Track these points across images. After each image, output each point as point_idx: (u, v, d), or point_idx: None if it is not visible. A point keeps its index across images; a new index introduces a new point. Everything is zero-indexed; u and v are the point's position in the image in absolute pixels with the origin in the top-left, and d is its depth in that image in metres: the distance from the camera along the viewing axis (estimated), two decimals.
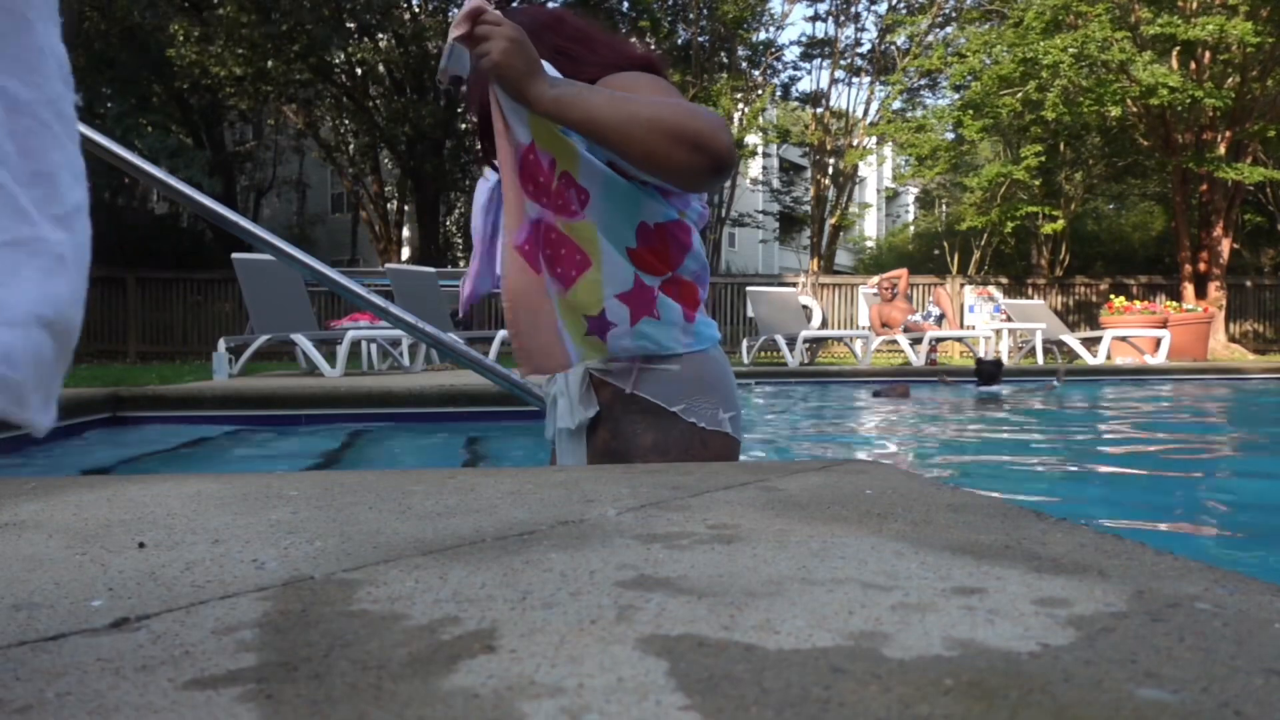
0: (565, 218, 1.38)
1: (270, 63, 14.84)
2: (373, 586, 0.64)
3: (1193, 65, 13.17)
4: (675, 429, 1.43)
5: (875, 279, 11.40)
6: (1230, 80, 13.19)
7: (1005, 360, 10.44)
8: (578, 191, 1.39)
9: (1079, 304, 15.98)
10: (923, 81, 18.58)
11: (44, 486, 1.07)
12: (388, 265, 9.77)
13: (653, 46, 18.68)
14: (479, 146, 1.55)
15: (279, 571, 0.68)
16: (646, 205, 1.41)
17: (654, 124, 1.24)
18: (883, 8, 18.28)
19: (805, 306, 11.86)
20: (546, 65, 1.31)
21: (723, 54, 18.24)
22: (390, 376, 5.68)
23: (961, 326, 12.02)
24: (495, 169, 1.53)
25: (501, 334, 6.90)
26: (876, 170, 27.05)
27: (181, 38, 14.18)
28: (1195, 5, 12.71)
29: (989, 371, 7.14)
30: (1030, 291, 15.76)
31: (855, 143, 18.12)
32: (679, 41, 18.39)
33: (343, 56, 17.20)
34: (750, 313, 10.85)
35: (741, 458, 1.50)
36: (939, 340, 10.14)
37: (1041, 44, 12.30)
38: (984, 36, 14.34)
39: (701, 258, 1.52)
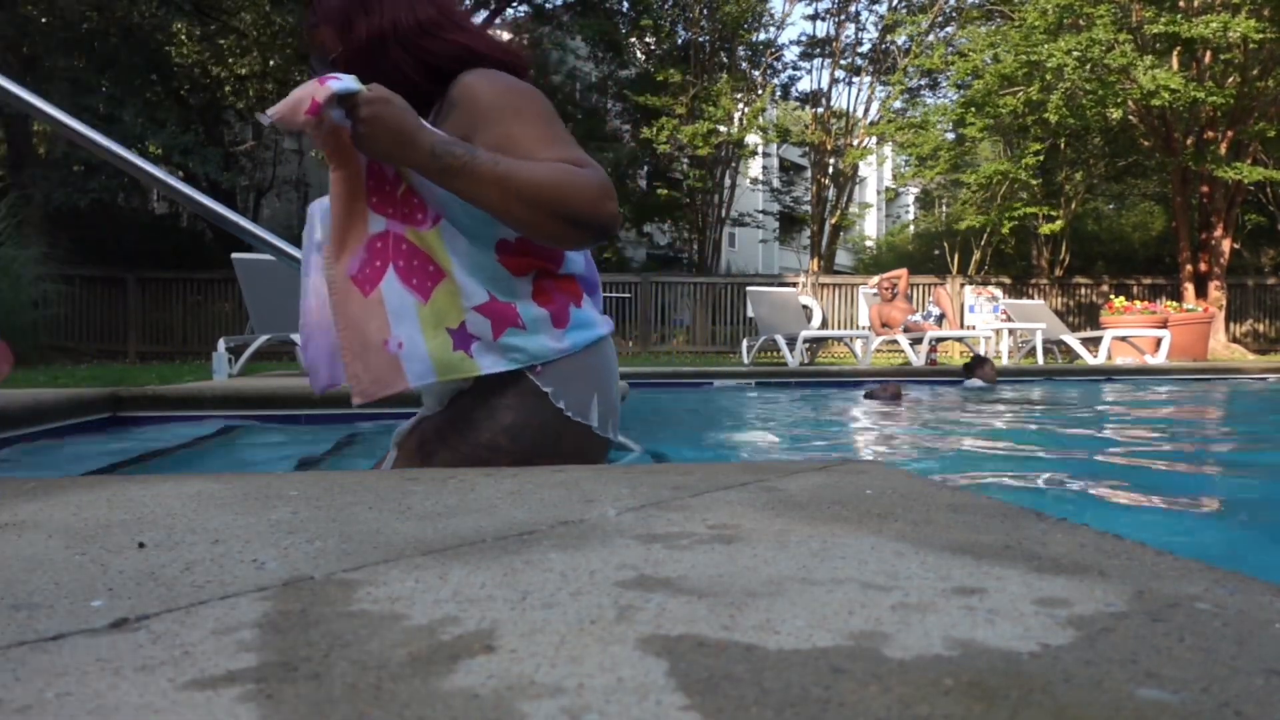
0: (414, 227, 1.35)
1: (272, 62, 14.86)
2: (373, 586, 0.64)
3: (1194, 65, 13.17)
4: (540, 413, 1.38)
5: (875, 279, 11.39)
6: (1231, 80, 13.19)
7: (1005, 360, 10.44)
8: (424, 206, 1.36)
9: (1080, 304, 15.98)
10: (923, 81, 18.58)
11: (44, 486, 1.07)
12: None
13: (653, 46, 18.70)
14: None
15: (279, 571, 0.68)
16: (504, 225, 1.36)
17: (535, 202, 1.22)
18: (883, 7, 18.27)
19: (805, 306, 11.86)
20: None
21: (723, 54, 18.24)
22: None
23: (962, 326, 12.02)
24: None
25: None
26: (876, 170, 27.05)
27: (184, 38, 14.18)
28: (1197, 3, 12.70)
29: (970, 365, 7.30)
30: (1031, 292, 15.75)
31: (855, 143, 18.12)
32: (679, 41, 18.39)
33: None
34: (750, 313, 10.85)
35: (742, 458, 1.48)
36: (939, 340, 10.14)
37: (1045, 47, 12.30)
38: (988, 38, 14.34)
39: (581, 255, 1.47)
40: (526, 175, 1.23)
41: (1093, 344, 10.69)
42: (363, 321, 1.34)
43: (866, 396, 5.64)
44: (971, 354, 9.51)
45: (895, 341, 10.29)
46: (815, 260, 18.17)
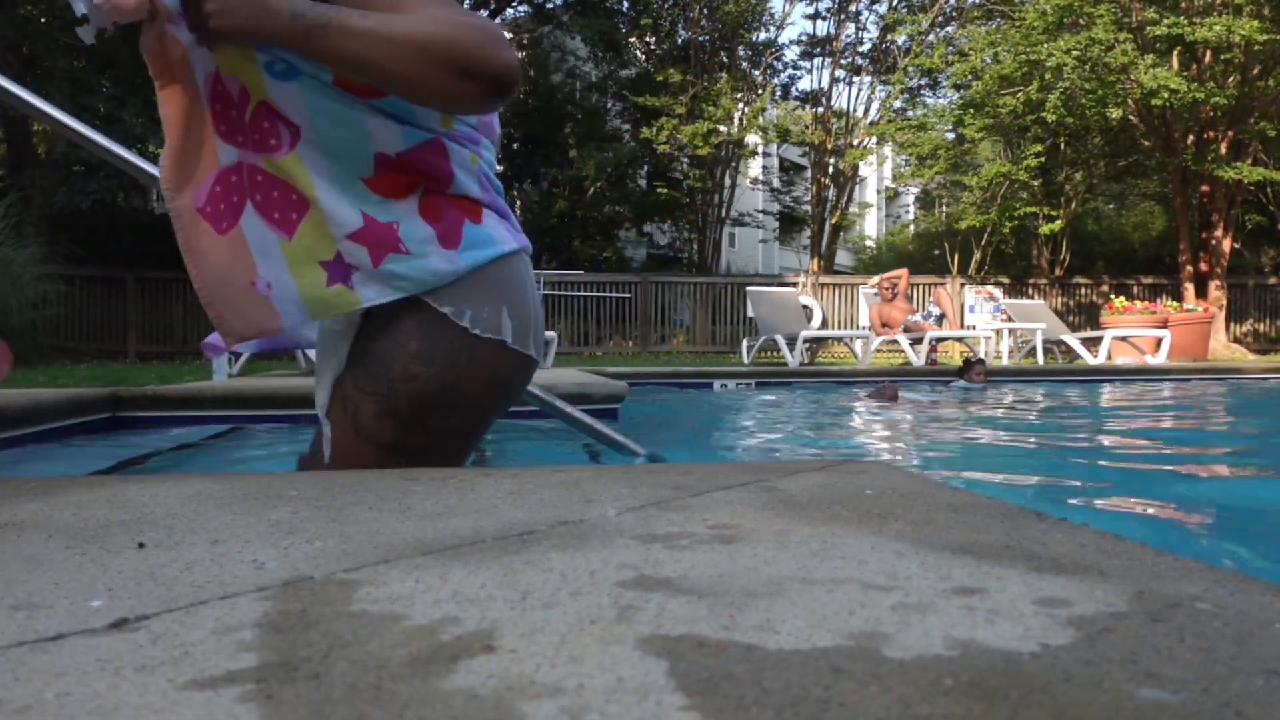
0: (269, 154, 1.22)
1: None
2: (373, 586, 0.64)
3: (1194, 65, 13.17)
4: (445, 333, 1.26)
5: (875, 279, 11.40)
6: (1231, 79, 13.20)
7: (1006, 360, 10.44)
8: (285, 124, 1.21)
9: (1080, 304, 15.99)
10: (923, 81, 18.58)
11: (44, 486, 1.07)
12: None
13: (653, 46, 18.72)
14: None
15: (279, 571, 0.68)
16: (381, 134, 1.22)
17: (419, 52, 1.09)
18: (883, 7, 18.28)
19: (805, 306, 11.86)
20: None
21: (723, 53, 18.24)
22: None
23: (962, 326, 12.01)
24: None
25: None
26: (876, 170, 27.05)
27: None
28: (1199, 4, 12.70)
29: (961, 367, 7.37)
30: (1031, 292, 15.76)
31: (855, 142, 18.13)
32: (679, 41, 18.39)
33: None
34: (750, 313, 10.85)
35: (742, 458, 1.47)
36: (939, 340, 10.14)
37: (1045, 46, 12.30)
38: (987, 37, 14.34)
39: (480, 170, 1.32)
40: (403, 25, 1.11)
41: (1093, 344, 10.69)
42: (222, 261, 1.23)
43: (868, 396, 5.65)
44: (971, 354, 9.52)
45: (895, 341, 10.29)
46: (815, 260, 18.17)
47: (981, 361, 7.59)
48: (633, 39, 18.86)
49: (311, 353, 6.00)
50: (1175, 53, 13.16)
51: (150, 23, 1.19)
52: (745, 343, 10.79)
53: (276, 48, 1.18)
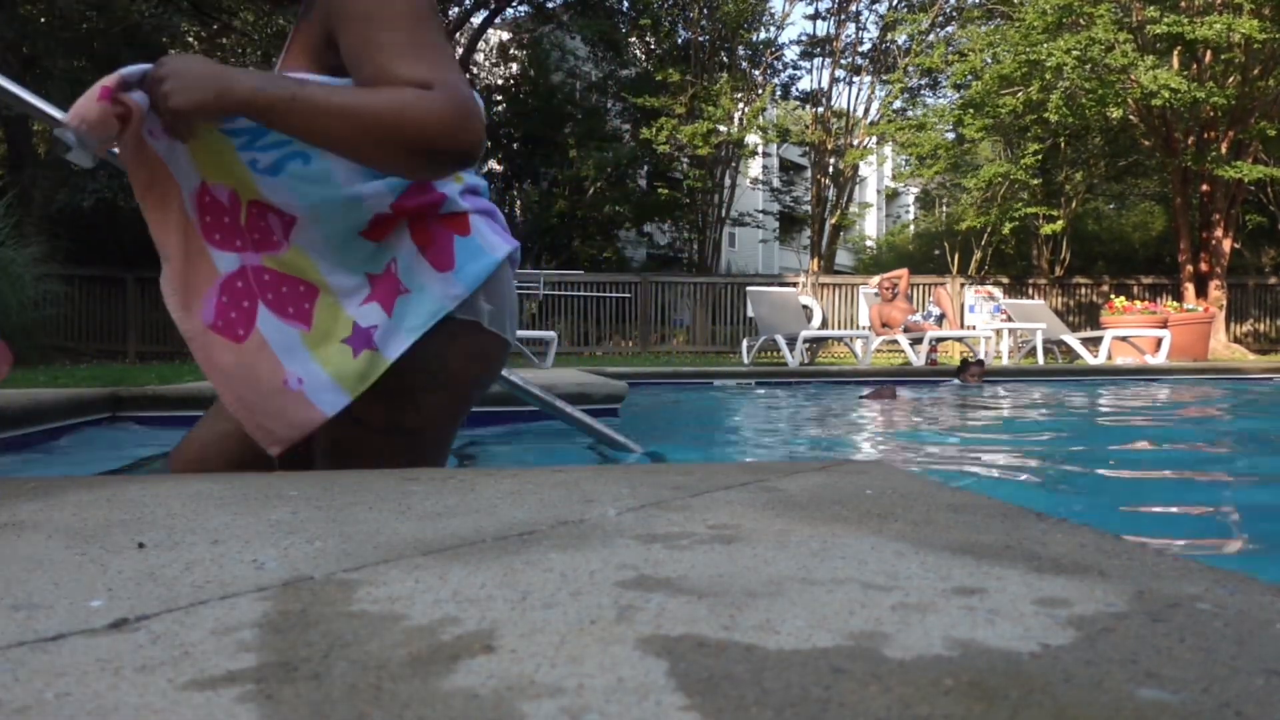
0: (271, 253, 1.22)
1: (275, 61, 14.87)
2: (373, 586, 0.64)
3: (1194, 65, 13.17)
4: None
5: (876, 279, 11.40)
6: (1232, 79, 13.20)
7: (1006, 360, 10.44)
8: (278, 218, 1.22)
9: (1080, 304, 15.99)
10: (923, 81, 18.58)
11: (44, 486, 1.07)
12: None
13: (653, 46, 18.72)
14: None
15: (279, 571, 0.68)
16: (372, 196, 1.21)
17: (388, 134, 1.08)
18: (883, 7, 18.28)
19: (805, 306, 11.86)
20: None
21: (723, 53, 18.24)
22: None
23: (962, 326, 12.01)
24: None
25: None
26: (876, 170, 27.06)
27: (189, 38, 14.20)
28: (1199, 3, 12.70)
29: (958, 367, 7.39)
30: (1031, 292, 15.75)
31: (855, 142, 18.12)
32: (679, 41, 18.39)
33: None
34: (750, 313, 10.85)
35: (742, 458, 1.47)
36: (939, 340, 10.14)
37: (1045, 46, 12.30)
38: (987, 37, 14.34)
39: (464, 184, 1.31)
40: (372, 103, 1.08)
41: (1093, 344, 10.69)
42: (247, 370, 1.22)
43: (861, 399, 5.64)
44: (969, 355, 9.53)
45: (895, 341, 10.29)
46: (815, 260, 18.17)
47: (980, 363, 7.59)
48: (633, 39, 18.86)
49: None
50: (1175, 52, 13.15)
51: (124, 127, 1.16)
52: (745, 343, 10.79)
53: (256, 145, 1.18)
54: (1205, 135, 13.61)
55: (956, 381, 7.29)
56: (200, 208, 1.22)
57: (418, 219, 1.26)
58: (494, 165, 20.13)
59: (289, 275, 1.22)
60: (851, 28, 18.45)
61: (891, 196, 30.27)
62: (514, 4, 18.60)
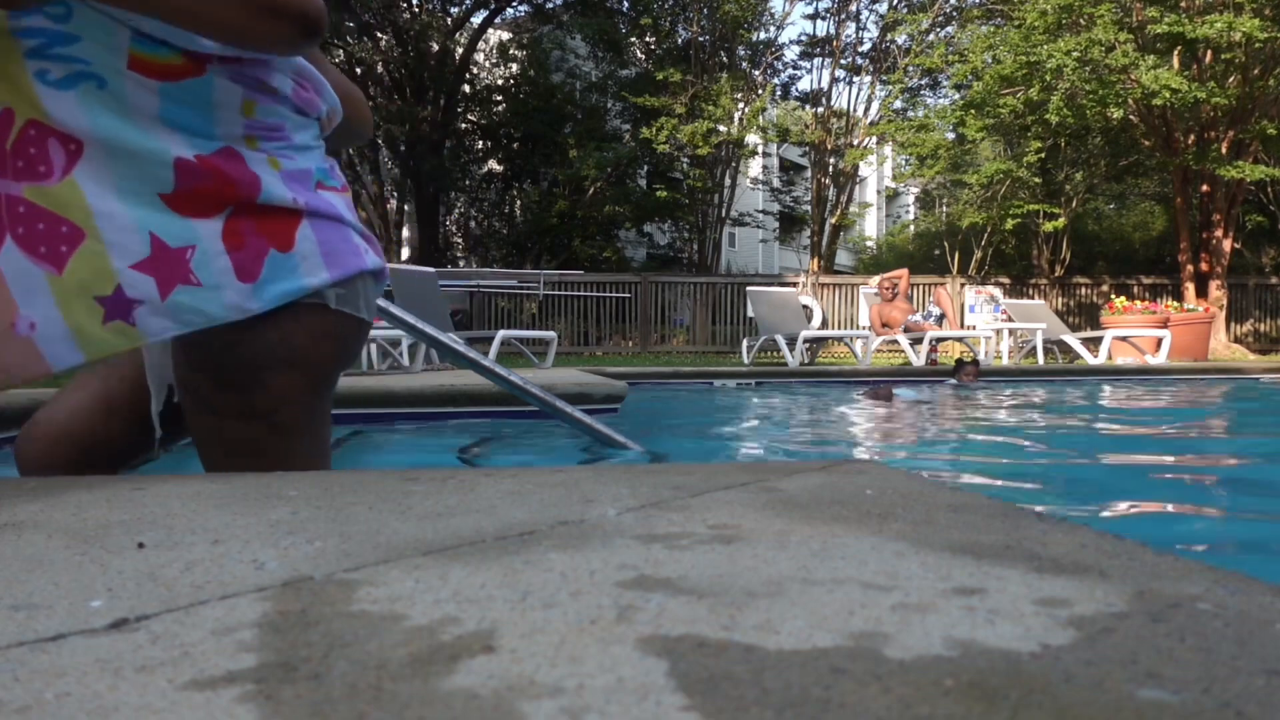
0: (37, 183, 1.11)
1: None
2: (373, 586, 0.64)
3: (1194, 65, 13.17)
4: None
5: (876, 279, 11.40)
6: (1232, 80, 13.20)
7: (1006, 360, 10.44)
8: (60, 144, 1.11)
9: (1080, 304, 15.99)
10: (923, 81, 18.59)
11: (44, 486, 1.07)
12: (387, 265, 9.77)
13: (653, 46, 18.72)
14: None
15: (279, 571, 0.68)
16: (168, 144, 1.13)
17: None
18: (883, 7, 18.28)
19: (805, 306, 11.87)
20: None
21: (723, 53, 18.24)
22: (390, 376, 5.68)
23: (962, 326, 12.01)
24: None
25: (501, 334, 6.91)
26: (877, 170, 27.07)
27: None
28: (1199, 3, 12.70)
29: (954, 367, 7.40)
30: (1031, 292, 15.76)
31: (855, 142, 18.13)
32: (679, 41, 18.39)
33: (343, 56, 17.21)
34: (750, 313, 10.85)
35: (742, 458, 1.46)
36: (939, 340, 10.14)
37: (1045, 47, 12.30)
38: (987, 39, 14.34)
39: (292, 169, 1.22)
40: None
41: (1093, 344, 10.69)
42: None
43: (863, 396, 5.64)
44: (965, 354, 9.53)
45: (895, 341, 10.29)
46: (815, 260, 18.18)
47: (975, 362, 7.60)
48: (633, 39, 18.87)
49: None
50: (1175, 53, 13.15)
51: None
52: (745, 343, 10.80)
53: (50, 53, 1.09)
54: (1206, 135, 13.61)
55: (953, 382, 7.29)
56: None
57: (238, 216, 1.17)
58: (494, 165, 20.14)
59: (50, 211, 1.11)
60: (851, 28, 18.46)
61: (891, 196, 30.27)
62: (514, 4, 18.61)
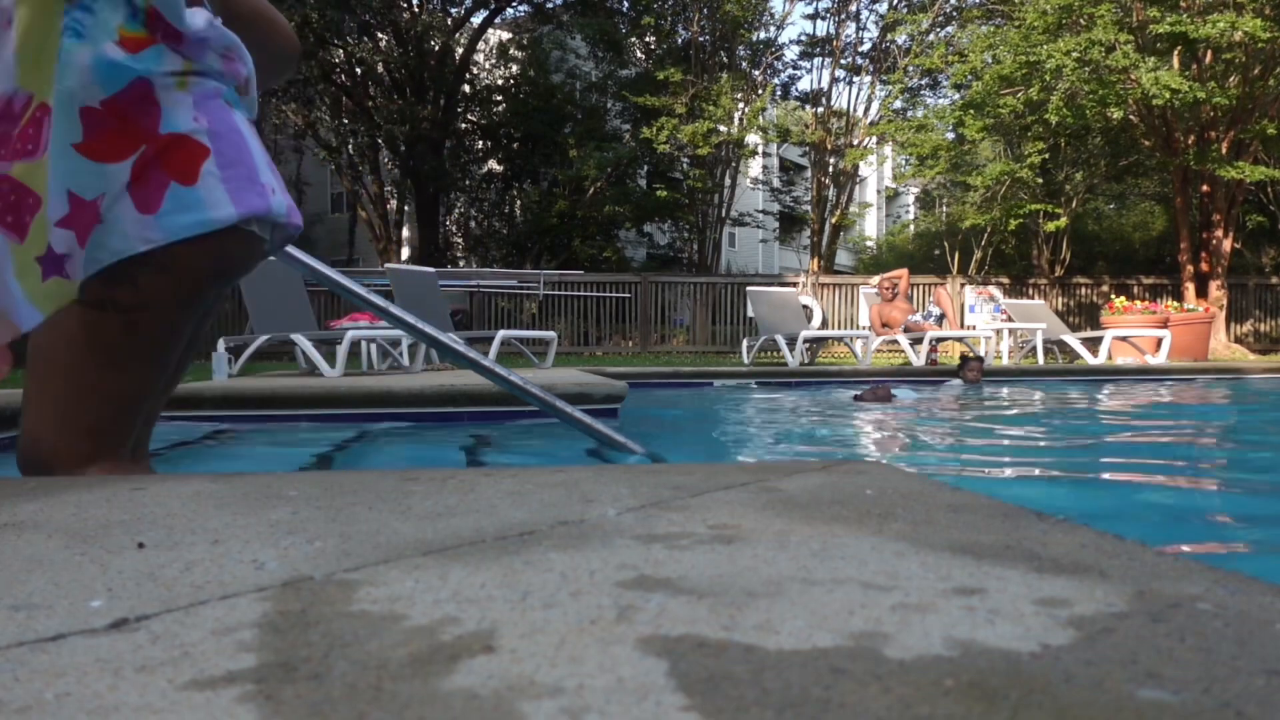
0: (24, 160, 1.17)
1: None
2: (373, 586, 0.64)
3: (1194, 66, 13.17)
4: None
5: (876, 279, 11.40)
6: (1232, 80, 13.20)
7: (1006, 360, 10.45)
8: (49, 119, 1.17)
9: (1080, 304, 15.99)
10: (923, 81, 18.59)
11: (44, 486, 1.07)
12: (387, 265, 9.78)
13: (653, 46, 18.73)
14: None
15: (279, 571, 0.68)
16: (82, 84, 1.16)
17: (284, 36, 1.29)
18: (883, 6, 18.28)
19: (805, 306, 11.87)
20: None
21: (723, 53, 18.25)
22: (390, 376, 5.68)
23: (962, 326, 12.02)
24: None
25: (501, 334, 6.90)
26: (877, 170, 27.08)
27: None
28: (1200, 3, 12.70)
29: (958, 365, 7.39)
30: (1031, 292, 15.75)
31: (855, 142, 18.13)
32: (679, 41, 18.39)
33: (343, 55, 17.21)
34: (750, 313, 10.85)
35: (742, 458, 1.46)
36: (939, 340, 10.14)
37: (1045, 48, 12.30)
38: (986, 39, 14.34)
39: (200, 93, 1.24)
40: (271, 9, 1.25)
41: (1093, 344, 10.69)
42: None
43: (855, 399, 5.64)
44: (969, 352, 9.53)
45: (895, 341, 10.29)
46: (815, 260, 18.18)
47: (980, 360, 7.59)
48: (633, 39, 18.87)
49: (311, 353, 5.98)
50: (1176, 53, 13.15)
51: None
52: (745, 343, 10.79)
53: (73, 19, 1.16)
54: (1206, 135, 13.61)
55: (957, 381, 7.28)
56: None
57: (147, 155, 1.20)
58: (494, 165, 20.15)
59: (22, 184, 1.16)
60: (851, 28, 18.47)
61: (891, 196, 30.27)
62: (514, 4, 18.61)
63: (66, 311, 1.21)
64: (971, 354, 8.04)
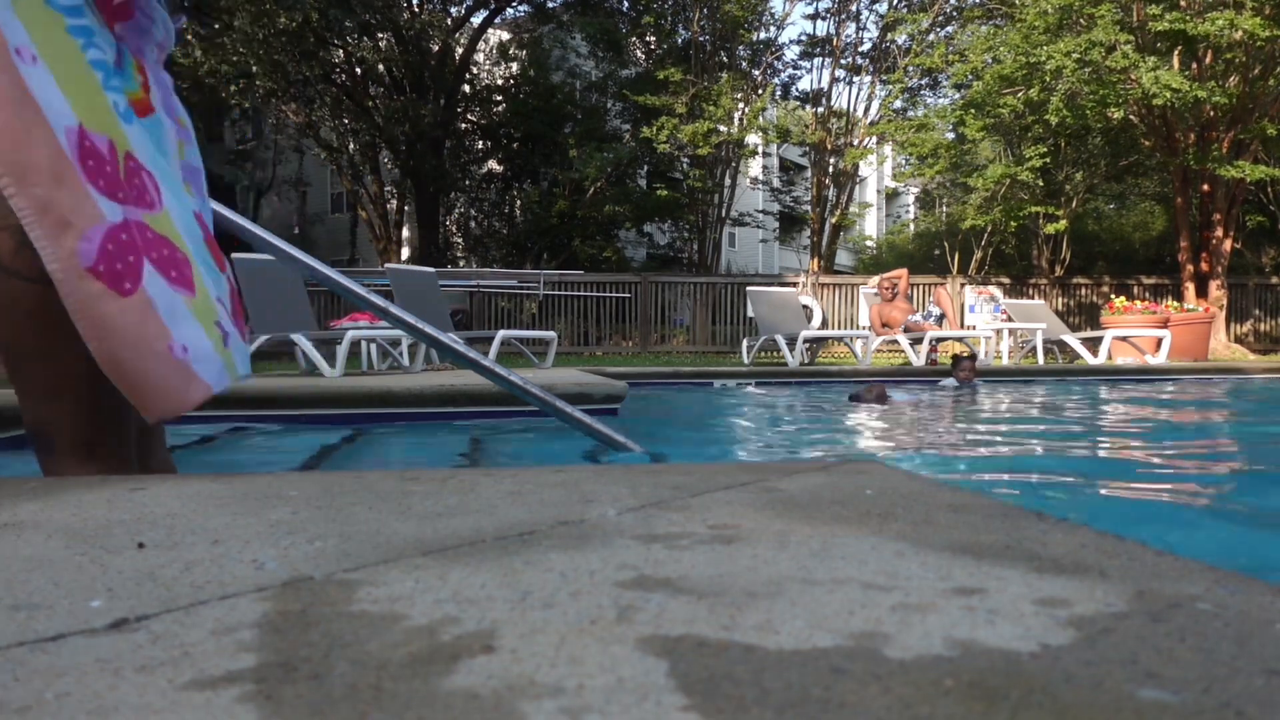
0: (149, 211, 1.14)
1: (278, 58, 14.91)
2: (373, 586, 0.64)
3: (1194, 66, 13.17)
4: None
5: (876, 279, 11.40)
6: (1232, 80, 13.19)
7: (1006, 360, 10.44)
8: (149, 178, 1.16)
9: (1080, 304, 15.99)
10: (923, 80, 18.59)
11: (44, 486, 1.07)
12: (387, 265, 9.78)
13: (653, 46, 18.73)
14: None
15: (279, 572, 0.68)
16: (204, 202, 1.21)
17: None
18: (883, 6, 18.27)
19: (805, 306, 11.86)
20: None
21: (723, 53, 18.24)
22: (390, 376, 5.68)
23: (962, 326, 12.02)
24: None
25: (501, 334, 6.90)
26: (877, 170, 27.08)
27: (188, 36, 14.21)
28: (1199, 2, 12.69)
29: (950, 365, 7.39)
30: (1031, 292, 15.75)
31: (856, 142, 18.12)
32: (679, 41, 18.39)
33: (342, 55, 17.22)
34: (750, 313, 10.85)
35: (742, 458, 1.45)
36: (939, 340, 10.14)
37: (1045, 49, 12.29)
38: (987, 40, 14.34)
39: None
40: None
41: (1093, 344, 10.69)
42: (132, 328, 1.09)
43: (851, 399, 5.63)
44: (965, 350, 9.53)
45: (895, 341, 10.29)
46: (815, 260, 18.18)
47: (972, 357, 7.58)
48: (633, 38, 18.87)
49: (311, 353, 5.97)
50: (1176, 53, 13.15)
51: None
52: (745, 343, 10.79)
53: (111, 85, 1.14)
54: (1206, 135, 13.61)
55: (951, 380, 7.28)
56: (81, 152, 1.09)
57: (234, 289, 1.28)
58: (494, 165, 20.15)
59: (165, 239, 1.15)
60: (851, 28, 18.46)
61: (891, 196, 30.28)
62: (514, 4, 18.61)
63: None
64: (964, 353, 8.04)
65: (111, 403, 1.20)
